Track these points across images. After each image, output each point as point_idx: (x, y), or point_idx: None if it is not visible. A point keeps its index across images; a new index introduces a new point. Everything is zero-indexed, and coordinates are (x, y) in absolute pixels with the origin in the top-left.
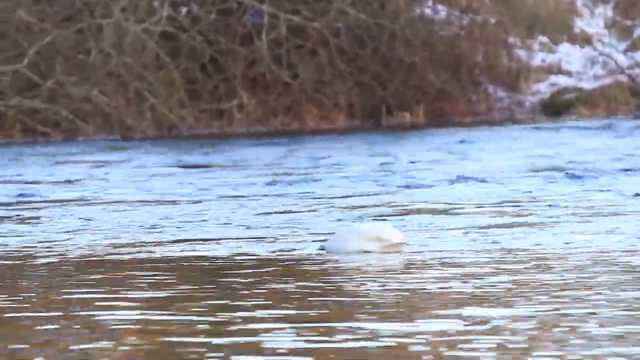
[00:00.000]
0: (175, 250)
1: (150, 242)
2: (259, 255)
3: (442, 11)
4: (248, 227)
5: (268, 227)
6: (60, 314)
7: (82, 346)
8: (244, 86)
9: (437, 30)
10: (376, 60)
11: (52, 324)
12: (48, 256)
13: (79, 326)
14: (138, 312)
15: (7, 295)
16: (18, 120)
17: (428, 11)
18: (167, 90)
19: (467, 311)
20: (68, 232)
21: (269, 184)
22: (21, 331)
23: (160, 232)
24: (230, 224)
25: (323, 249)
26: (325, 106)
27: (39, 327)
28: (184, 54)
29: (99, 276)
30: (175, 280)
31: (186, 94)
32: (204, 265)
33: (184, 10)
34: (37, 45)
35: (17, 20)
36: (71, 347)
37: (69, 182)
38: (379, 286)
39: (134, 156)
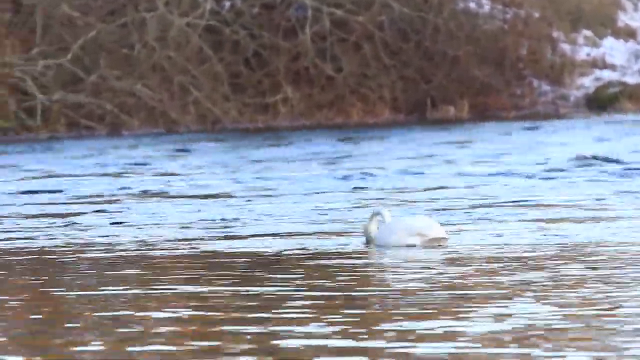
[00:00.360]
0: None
1: (218, 237)
2: (310, 250)
3: (486, 5)
4: (306, 222)
5: (319, 223)
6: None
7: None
8: (287, 80)
9: (480, 24)
10: (420, 53)
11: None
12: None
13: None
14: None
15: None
16: (62, 114)
17: (472, 5)
18: (210, 84)
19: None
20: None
21: (334, 177)
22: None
23: (225, 227)
24: (292, 218)
25: (369, 243)
26: (370, 100)
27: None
28: (228, 48)
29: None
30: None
31: (230, 87)
32: (256, 259)
33: (227, 4)
34: (82, 39)
35: (61, 14)
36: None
37: (159, 175)
38: (424, 280)
39: (196, 150)
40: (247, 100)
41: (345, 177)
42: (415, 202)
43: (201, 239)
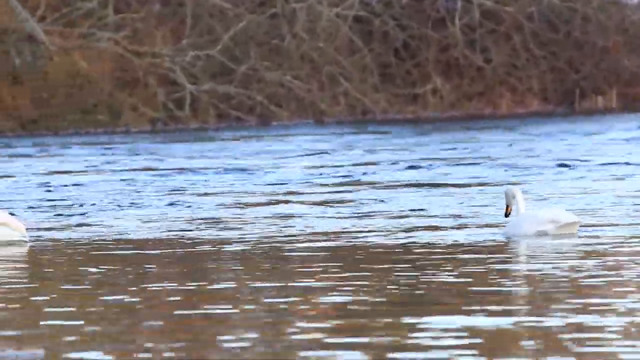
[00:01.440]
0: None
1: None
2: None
3: None
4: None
5: (464, 217)
6: None
7: None
8: (437, 71)
9: (629, 15)
10: (569, 44)
11: None
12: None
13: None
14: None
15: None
16: (211, 105)
17: None
18: (360, 74)
19: None
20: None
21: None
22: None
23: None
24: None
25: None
26: (519, 90)
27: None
28: (377, 39)
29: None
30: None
31: (379, 78)
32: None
33: None
34: (231, 30)
35: (211, 5)
36: None
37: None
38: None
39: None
40: (396, 91)
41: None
42: (565, 195)
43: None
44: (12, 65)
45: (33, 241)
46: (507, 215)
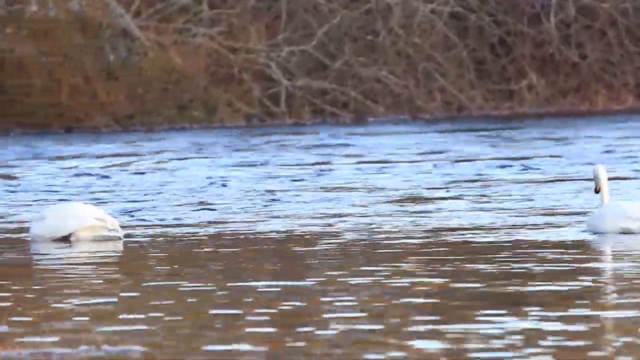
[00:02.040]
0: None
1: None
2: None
3: None
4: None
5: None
6: None
7: None
8: (532, 67)
9: None
10: None
11: None
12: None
13: None
14: None
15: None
16: (306, 101)
17: None
18: (456, 70)
19: None
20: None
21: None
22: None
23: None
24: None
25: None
26: (615, 87)
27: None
28: (472, 35)
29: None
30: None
31: (475, 74)
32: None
33: None
34: (326, 26)
35: (306, 0)
36: None
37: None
38: None
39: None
40: (491, 87)
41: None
42: None
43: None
44: (106, 61)
45: (146, 237)
46: (597, 191)
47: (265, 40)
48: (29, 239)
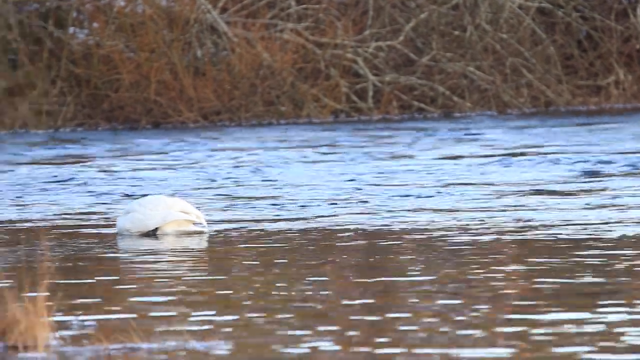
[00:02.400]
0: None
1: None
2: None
3: None
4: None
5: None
6: None
7: None
8: (620, 62)
9: None
10: None
11: None
12: None
13: None
14: None
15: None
16: (394, 96)
17: None
18: (543, 66)
19: None
20: None
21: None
22: None
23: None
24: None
25: None
26: None
27: None
28: (560, 30)
29: None
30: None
31: (562, 70)
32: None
33: None
34: (413, 21)
35: None
36: None
37: None
38: None
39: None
40: (579, 82)
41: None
42: None
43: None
44: (194, 57)
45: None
46: None
47: (353, 35)
48: (116, 233)
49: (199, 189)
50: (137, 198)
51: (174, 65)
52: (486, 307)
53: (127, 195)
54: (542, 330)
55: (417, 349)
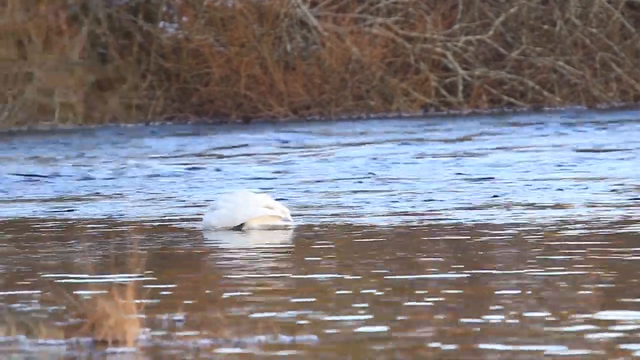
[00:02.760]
0: None
1: None
2: None
3: None
4: None
5: None
6: None
7: None
8: None
9: None
10: None
11: None
12: None
13: None
14: None
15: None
16: (484, 91)
17: None
18: (632, 60)
19: None
20: None
21: None
22: None
23: None
24: None
25: None
26: None
27: None
28: None
29: None
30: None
31: None
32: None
33: None
34: (503, 15)
35: None
36: None
37: None
38: None
39: None
40: None
41: None
42: None
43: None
44: (284, 51)
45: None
46: None
47: (442, 29)
48: (202, 228)
49: (286, 182)
50: (224, 193)
51: (264, 59)
52: None
53: (217, 190)
54: None
55: None
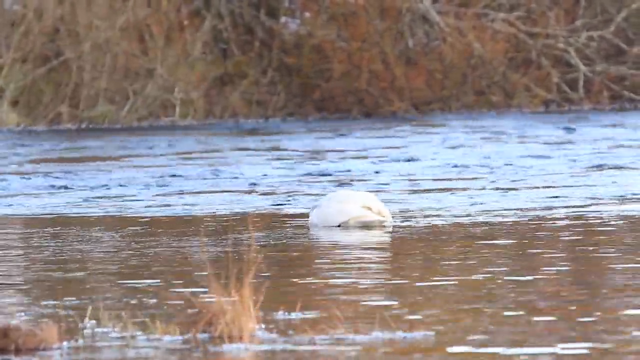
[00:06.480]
0: None
1: None
2: None
3: None
4: None
5: None
6: None
7: None
8: None
9: None
10: None
11: None
12: None
13: None
14: None
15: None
16: (605, 87)
17: None
18: None
19: None
20: None
21: None
22: None
23: None
24: None
25: None
26: None
27: None
28: None
29: None
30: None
31: None
32: None
33: None
34: (625, 11)
35: None
36: None
37: None
38: None
39: None
40: None
41: None
42: None
43: None
44: (405, 47)
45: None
46: None
47: (564, 25)
48: (308, 225)
49: (394, 180)
50: (330, 192)
51: (386, 55)
52: None
53: (331, 187)
54: None
55: None
